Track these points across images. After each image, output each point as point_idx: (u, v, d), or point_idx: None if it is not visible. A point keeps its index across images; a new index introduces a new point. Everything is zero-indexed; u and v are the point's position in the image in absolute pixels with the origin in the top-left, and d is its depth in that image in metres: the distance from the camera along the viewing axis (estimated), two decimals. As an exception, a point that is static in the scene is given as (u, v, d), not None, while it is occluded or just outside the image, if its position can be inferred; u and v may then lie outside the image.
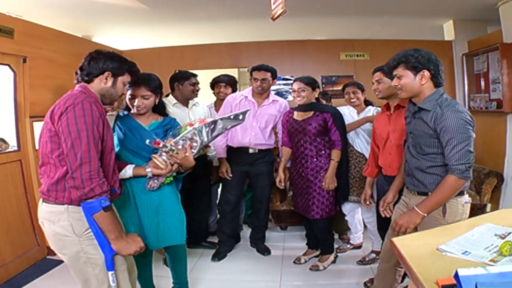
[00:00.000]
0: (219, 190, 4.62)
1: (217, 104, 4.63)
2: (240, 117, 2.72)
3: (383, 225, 3.08)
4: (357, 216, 4.30)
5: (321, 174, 3.76)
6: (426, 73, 2.34)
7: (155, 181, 2.61)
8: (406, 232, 2.39)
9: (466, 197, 2.44)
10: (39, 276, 3.82)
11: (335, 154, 3.76)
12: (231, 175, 4.11)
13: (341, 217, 4.38)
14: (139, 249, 2.09)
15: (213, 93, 4.74)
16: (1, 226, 3.76)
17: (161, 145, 2.50)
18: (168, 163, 2.58)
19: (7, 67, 3.94)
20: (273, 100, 4.15)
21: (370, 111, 4.05)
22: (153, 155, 2.58)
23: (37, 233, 4.15)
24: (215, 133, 2.66)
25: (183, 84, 4.05)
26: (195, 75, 4.15)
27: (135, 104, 2.75)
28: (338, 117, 3.77)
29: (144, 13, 5.12)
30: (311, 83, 3.78)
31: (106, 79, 2.22)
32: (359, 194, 3.88)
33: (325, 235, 3.99)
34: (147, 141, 2.50)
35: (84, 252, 2.06)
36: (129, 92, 2.75)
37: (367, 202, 3.55)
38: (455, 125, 2.22)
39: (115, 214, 2.08)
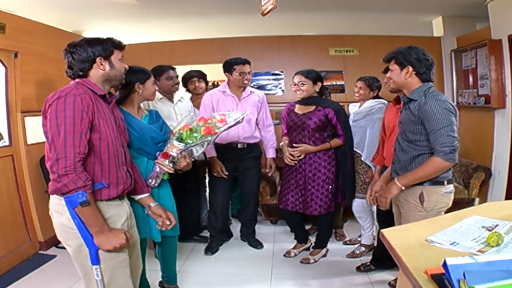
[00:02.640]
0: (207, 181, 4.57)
1: (194, 99, 4.59)
2: (240, 120, 2.83)
3: (382, 214, 3.22)
4: None
5: (321, 171, 3.73)
6: (410, 69, 2.57)
7: (157, 180, 2.69)
8: (382, 202, 2.60)
9: (448, 187, 2.55)
10: (32, 271, 3.81)
11: (335, 142, 3.73)
12: (226, 173, 4.08)
13: (336, 212, 4.26)
14: (119, 245, 2.04)
15: (187, 90, 4.73)
16: (-7, 221, 3.76)
17: (170, 158, 2.64)
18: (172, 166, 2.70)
19: (-2, 62, 3.93)
20: (251, 92, 4.17)
21: (367, 103, 3.96)
22: (158, 161, 2.66)
23: (29, 228, 4.16)
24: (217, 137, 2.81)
25: (159, 79, 3.83)
26: (172, 68, 3.99)
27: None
28: (341, 114, 3.71)
29: (135, 8, 5.10)
30: (312, 76, 3.71)
31: (102, 64, 2.15)
32: None
33: (325, 230, 4.02)
34: (157, 153, 2.70)
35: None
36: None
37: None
38: (436, 112, 2.39)
39: (96, 209, 2.02)
